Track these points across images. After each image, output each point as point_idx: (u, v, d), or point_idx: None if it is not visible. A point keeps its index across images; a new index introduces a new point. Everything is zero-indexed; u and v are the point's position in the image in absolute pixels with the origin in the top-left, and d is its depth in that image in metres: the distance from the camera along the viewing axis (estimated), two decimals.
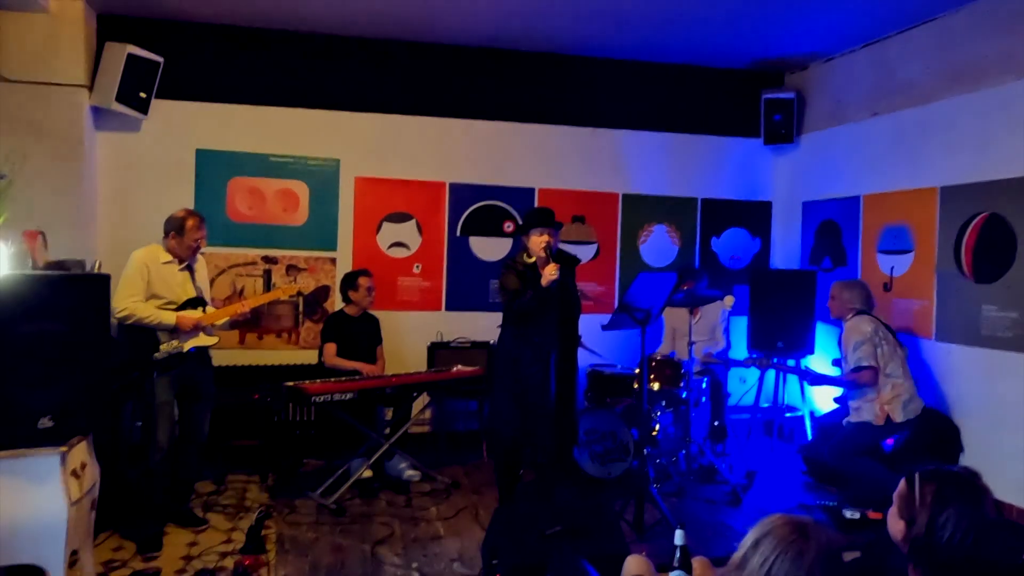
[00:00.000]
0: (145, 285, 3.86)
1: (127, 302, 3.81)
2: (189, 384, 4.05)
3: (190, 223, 3.96)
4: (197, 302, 4.04)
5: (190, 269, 4.07)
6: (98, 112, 5.27)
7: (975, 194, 4.74)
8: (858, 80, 5.83)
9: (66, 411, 2.93)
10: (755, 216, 6.68)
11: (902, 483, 1.86)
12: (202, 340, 4.04)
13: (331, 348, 5.08)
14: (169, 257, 3.98)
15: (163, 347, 3.88)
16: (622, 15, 5.22)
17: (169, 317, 3.88)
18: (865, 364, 4.43)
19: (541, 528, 3.24)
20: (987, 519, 1.76)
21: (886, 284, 4.78)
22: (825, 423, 5.48)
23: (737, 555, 1.56)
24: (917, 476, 1.86)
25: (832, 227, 6.08)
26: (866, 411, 4.50)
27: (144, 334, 3.87)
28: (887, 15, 5.11)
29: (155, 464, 3.91)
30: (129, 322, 3.83)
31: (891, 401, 4.44)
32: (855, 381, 4.48)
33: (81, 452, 3.08)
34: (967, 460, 4.74)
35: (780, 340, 5.75)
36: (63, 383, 2.93)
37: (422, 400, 5.28)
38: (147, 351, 3.86)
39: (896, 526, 1.86)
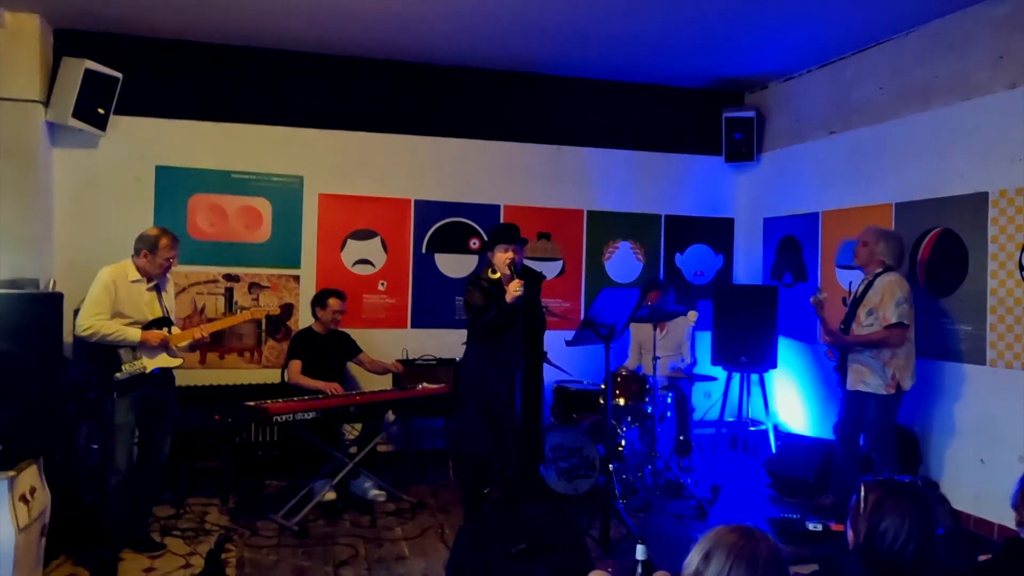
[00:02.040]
0: (111, 303, 3.78)
1: (92, 319, 3.72)
2: (151, 405, 3.95)
3: (163, 241, 3.89)
4: (163, 322, 3.96)
5: (158, 289, 3.99)
6: (54, 128, 5.18)
7: (929, 210, 4.87)
8: (816, 99, 5.97)
9: (14, 434, 2.85)
10: (718, 232, 6.77)
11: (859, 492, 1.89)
12: (166, 361, 3.96)
13: (296, 365, 5.01)
14: (138, 275, 3.90)
15: (125, 367, 3.78)
16: (587, 35, 5.29)
17: (134, 334, 3.80)
18: (906, 321, 4.31)
19: (506, 546, 3.22)
20: (931, 528, 1.79)
21: (844, 299, 4.86)
22: (793, 441, 5.53)
23: (687, 573, 1.57)
24: (863, 486, 1.89)
25: (792, 243, 6.19)
26: (876, 377, 4.36)
27: (106, 354, 3.78)
28: (842, 36, 5.25)
29: (112, 488, 3.79)
30: (94, 339, 3.74)
31: (904, 367, 4.36)
32: (887, 339, 4.33)
33: (31, 476, 2.99)
34: (925, 470, 4.83)
35: (743, 354, 5.82)
36: (11, 405, 2.85)
37: (387, 418, 5.23)
38: (108, 371, 3.76)
39: (849, 536, 1.90)
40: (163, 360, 3.94)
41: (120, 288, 3.82)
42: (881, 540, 1.78)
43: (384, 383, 5.55)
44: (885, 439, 4.44)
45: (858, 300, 4.53)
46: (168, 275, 4.09)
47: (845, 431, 4.67)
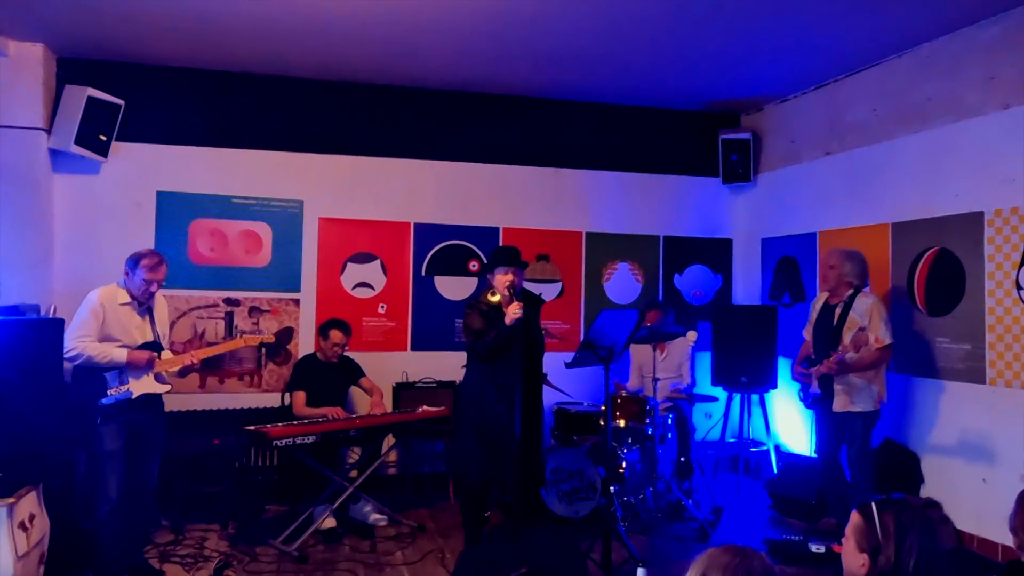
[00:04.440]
0: (99, 325, 3.71)
1: (76, 341, 3.64)
2: (138, 432, 3.86)
3: (144, 262, 3.82)
4: (153, 347, 3.89)
5: (150, 312, 3.94)
6: (57, 155, 5.22)
7: (925, 230, 4.89)
8: (811, 121, 6.02)
9: (14, 461, 2.84)
10: (716, 253, 6.80)
11: (855, 517, 1.87)
12: (153, 387, 3.88)
13: (300, 397, 4.98)
14: (128, 298, 3.84)
15: (111, 391, 3.70)
16: (584, 60, 5.35)
17: (120, 355, 3.73)
18: (892, 341, 4.41)
19: (507, 570, 3.20)
20: (939, 545, 1.79)
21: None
22: (794, 462, 5.51)
23: None
24: (875, 506, 1.87)
25: (791, 263, 6.21)
26: (864, 397, 4.44)
27: (92, 379, 3.70)
28: (835, 59, 5.32)
29: (102, 516, 3.70)
30: (78, 362, 3.67)
31: (883, 383, 4.48)
32: (882, 359, 4.44)
33: (30, 503, 2.98)
34: (927, 491, 4.81)
35: (744, 375, 5.81)
36: (12, 432, 2.84)
37: (387, 442, 5.22)
38: (94, 397, 3.67)
39: (856, 561, 1.85)
40: (150, 386, 3.86)
41: (109, 311, 3.75)
42: (908, 558, 1.78)
43: (385, 406, 5.53)
44: (868, 456, 4.54)
45: (839, 324, 4.55)
46: (162, 299, 4.02)
47: (831, 453, 4.72)
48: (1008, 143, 4.35)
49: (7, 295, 4.73)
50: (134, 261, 3.84)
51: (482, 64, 5.49)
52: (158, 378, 3.92)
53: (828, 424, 4.67)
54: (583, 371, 4.72)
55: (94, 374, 3.71)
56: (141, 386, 3.83)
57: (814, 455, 5.38)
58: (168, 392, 4.01)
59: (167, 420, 4.69)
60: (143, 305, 3.91)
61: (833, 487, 4.76)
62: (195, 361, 4.03)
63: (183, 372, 4.06)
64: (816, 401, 4.68)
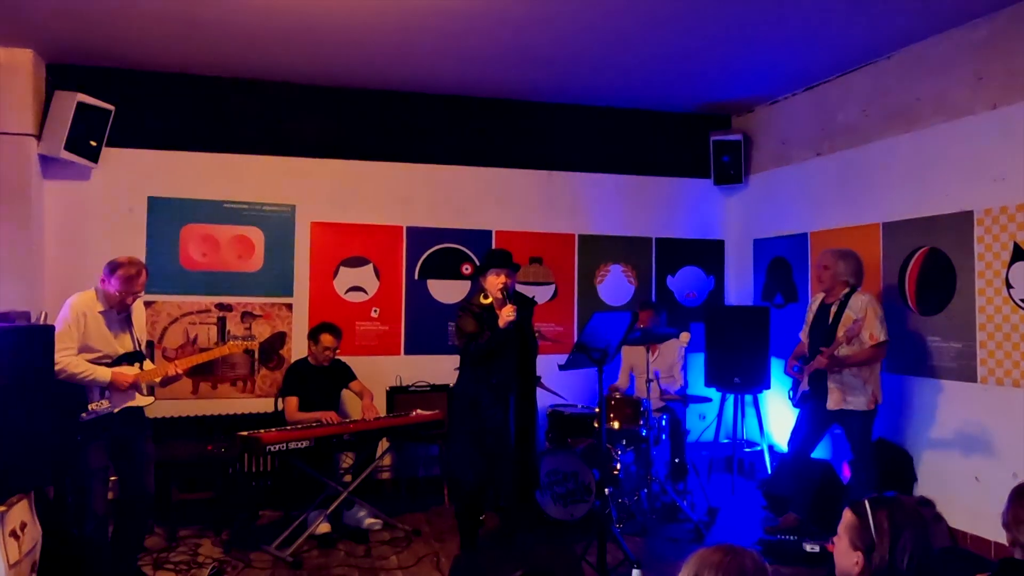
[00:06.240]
0: (80, 336, 3.57)
1: (59, 356, 3.47)
2: (125, 445, 3.74)
3: (119, 272, 3.61)
4: (134, 357, 3.76)
5: (128, 320, 3.78)
6: (47, 161, 5.20)
7: (916, 229, 4.92)
8: (801, 122, 6.05)
9: (4, 469, 2.82)
10: (708, 254, 6.82)
11: (848, 515, 1.88)
12: (136, 400, 3.74)
13: (293, 403, 4.97)
14: (104, 306, 3.68)
15: (91, 406, 3.56)
16: (576, 63, 5.36)
17: (104, 374, 3.58)
18: (887, 339, 4.40)
19: (502, 573, 3.19)
20: (933, 543, 1.80)
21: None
22: (789, 459, 5.53)
23: None
24: (868, 504, 1.87)
25: (783, 264, 6.23)
26: (859, 395, 4.43)
27: (72, 392, 3.55)
28: (825, 60, 5.34)
29: (90, 532, 3.60)
30: (60, 377, 3.49)
31: (878, 382, 4.48)
32: (876, 356, 4.43)
33: (21, 511, 2.97)
34: (921, 489, 4.83)
35: (737, 376, 5.83)
36: (2, 439, 2.82)
37: (381, 446, 5.21)
38: (74, 412, 3.53)
39: (850, 559, 1.85)
40: (133, 399, 3.72)
41: (90, 319, 3.61)
42: (902, 556, 1.78)
43: (378, 410, 5.52)
44: (869, 456, 4.53)
45: (834, 322, 4.56)
46: (139, 303, 3.85)
47: (804, 449, 4.74)
48: (997, 142, 4.37)
49: None
50: (110, 269, 3.67)
51: (472, 67, 5.49)
52: (140, 390, 3.79)
53: (812, 422, 4.68)
54: (577, 373, 4.71)
55: (74, 387, 3.56)
56: (125, 400, 3.70)
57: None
58: (150, 404, 3.87)
59: (159, 426, 4.68)
60: (121, 314, 3.74)
61: (801, 483, 4.77)
62: (179, 371, 3.86)
63: (165, 382, 3.90)
64: (804, 399, 4.69)
